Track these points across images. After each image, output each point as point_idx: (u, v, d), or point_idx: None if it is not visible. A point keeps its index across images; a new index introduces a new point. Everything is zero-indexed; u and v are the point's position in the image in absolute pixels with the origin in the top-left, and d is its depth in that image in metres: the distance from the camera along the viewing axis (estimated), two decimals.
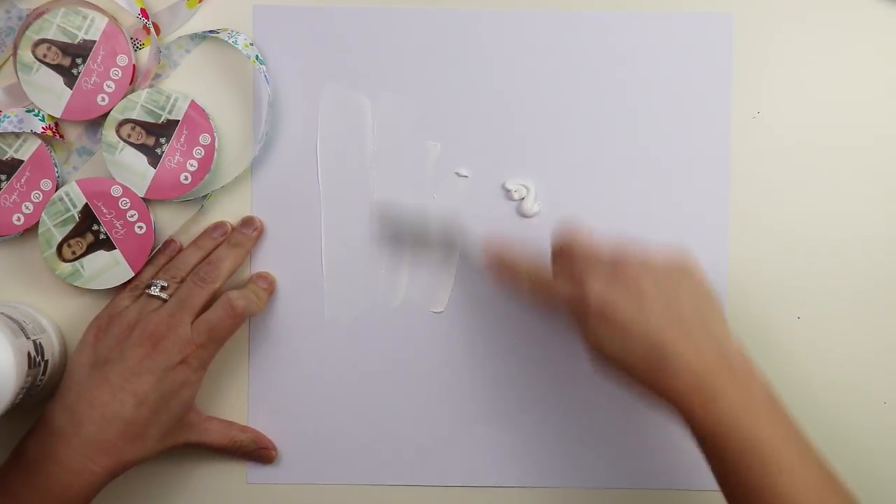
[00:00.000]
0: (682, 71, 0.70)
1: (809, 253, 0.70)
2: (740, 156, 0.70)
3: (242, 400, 0.71)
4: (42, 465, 0.62)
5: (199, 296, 0.65)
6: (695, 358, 0.58)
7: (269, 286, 0.69)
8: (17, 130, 0.66)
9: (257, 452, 0.70)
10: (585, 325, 0.61)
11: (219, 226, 0.69)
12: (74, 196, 0.68)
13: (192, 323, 0.65)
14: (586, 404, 0.70)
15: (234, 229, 0.69)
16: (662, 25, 0.70)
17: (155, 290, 0.66)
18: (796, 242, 0.70)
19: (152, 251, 0.69)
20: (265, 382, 0.71)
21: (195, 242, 0.69)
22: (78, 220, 0.68)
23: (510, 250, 0.67)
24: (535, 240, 0.69)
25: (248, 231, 0.69)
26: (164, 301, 0.66)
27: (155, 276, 0.68)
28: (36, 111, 0.67)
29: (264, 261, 0.70)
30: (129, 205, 0.68)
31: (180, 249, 0.69)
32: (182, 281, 0.67)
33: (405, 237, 0.70)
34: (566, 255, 0.63)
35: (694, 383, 0.57)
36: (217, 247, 0.68)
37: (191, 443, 0.67)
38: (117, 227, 0.68)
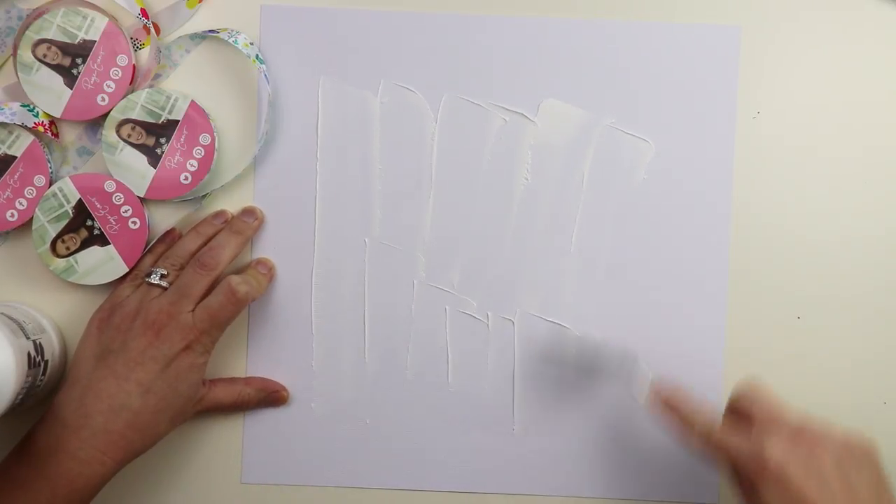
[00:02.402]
0: (689, 79, 0.70)
1: (809, 253, 0.70)
2: (741, 156, 0.70)
3: None
4: (51, 456, 0.61)
5: (199, 283, 0.65)
6: None
7: (268, 272, 0.69)
8: (9, 121, 0.66)
9: (269, 398, 0.69)
10: (757, 486, 0.58)
11: (219, 214, 0.69)
12: (68, 192, 0.67)
13: (192, 310, 0.64)
14: (588, 413, 0.70)
15: (234, 217, 0.69)
16: (673, 35, 0.70)
17: (155, 279, 0.66)
18: (796, 243, 0.70)
19: (146, 247, 0.68)
20: None
21: (195, 229, 0.68)
22: (72, 215, 0.67)
23: (681, 393, 0.64)
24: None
25: (249, 220, 0.69)
26: (165, 289, 0.65)
27: (155, 264, 0.67)
28: (31, 107, 0.67)
29: None
30: (122, 200, 0.67)
31: (179, 237, 0.68)
32: (182, 268, 0.66)
33: (574, 362, 0.70)
34: (746, 409, 0.61)
35: None
36: (217, 233, 0.68)
37: (201, 411, 0.67)
38: (111, 223, 0.67)
